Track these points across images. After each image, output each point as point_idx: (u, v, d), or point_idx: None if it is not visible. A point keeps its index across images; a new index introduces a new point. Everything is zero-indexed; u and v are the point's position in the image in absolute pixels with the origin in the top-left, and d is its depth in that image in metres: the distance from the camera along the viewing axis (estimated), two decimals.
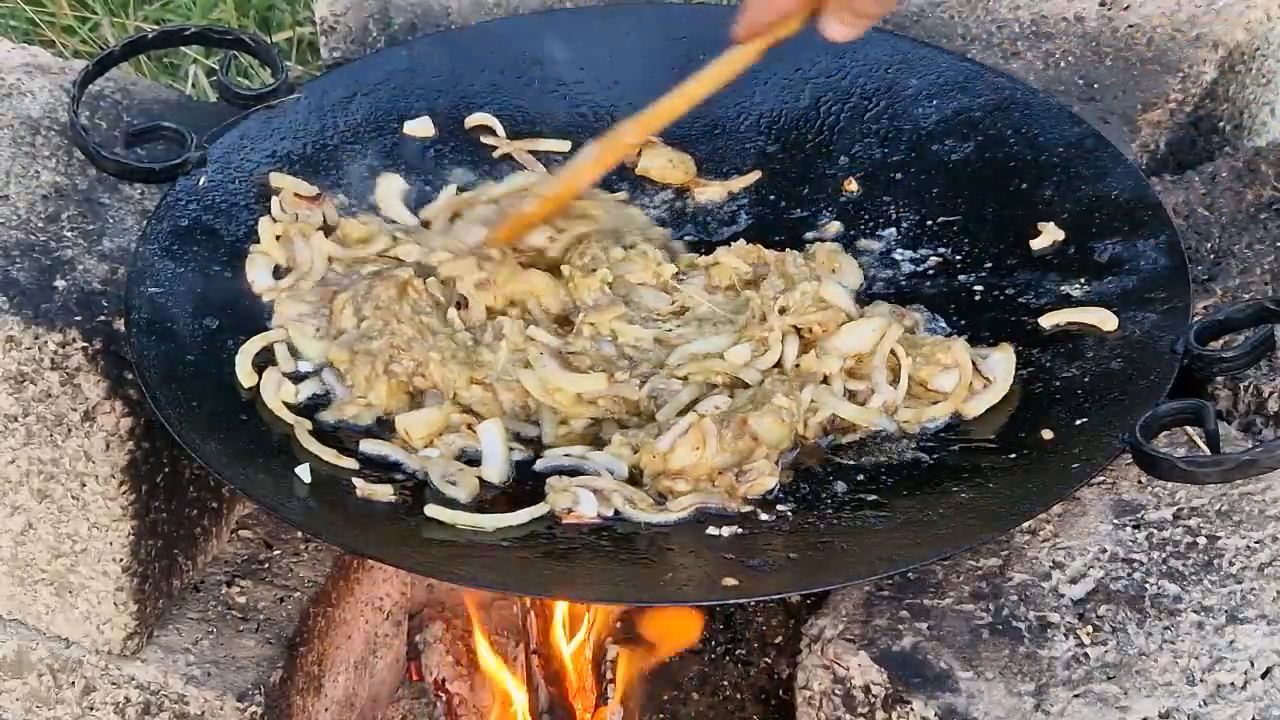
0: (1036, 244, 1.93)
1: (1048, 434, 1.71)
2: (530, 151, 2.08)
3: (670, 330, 1.84)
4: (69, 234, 1.89)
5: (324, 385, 1.80)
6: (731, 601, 1.84)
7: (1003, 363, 1.79)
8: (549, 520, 1.68)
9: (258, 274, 1.88)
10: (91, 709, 1.96)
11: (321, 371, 1.80)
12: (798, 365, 1.79)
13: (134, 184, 1.95)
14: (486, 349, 1.80)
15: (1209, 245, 1.99)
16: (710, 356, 1.80)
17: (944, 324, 1.88)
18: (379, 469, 1.73)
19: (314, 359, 1.81)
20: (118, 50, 1.97)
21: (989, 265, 1.94)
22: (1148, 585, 1.64)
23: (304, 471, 1.68)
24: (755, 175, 2.06)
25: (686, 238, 2.01)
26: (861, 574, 1.63)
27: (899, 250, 1.98)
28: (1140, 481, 1.73)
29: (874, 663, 1.58)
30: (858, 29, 1.77)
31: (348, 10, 2.32)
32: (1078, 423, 1.71)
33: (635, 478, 1.72)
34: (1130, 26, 2.29)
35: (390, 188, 2.02)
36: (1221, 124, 2.30)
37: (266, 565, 2.00)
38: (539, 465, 1.73)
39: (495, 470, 1.72)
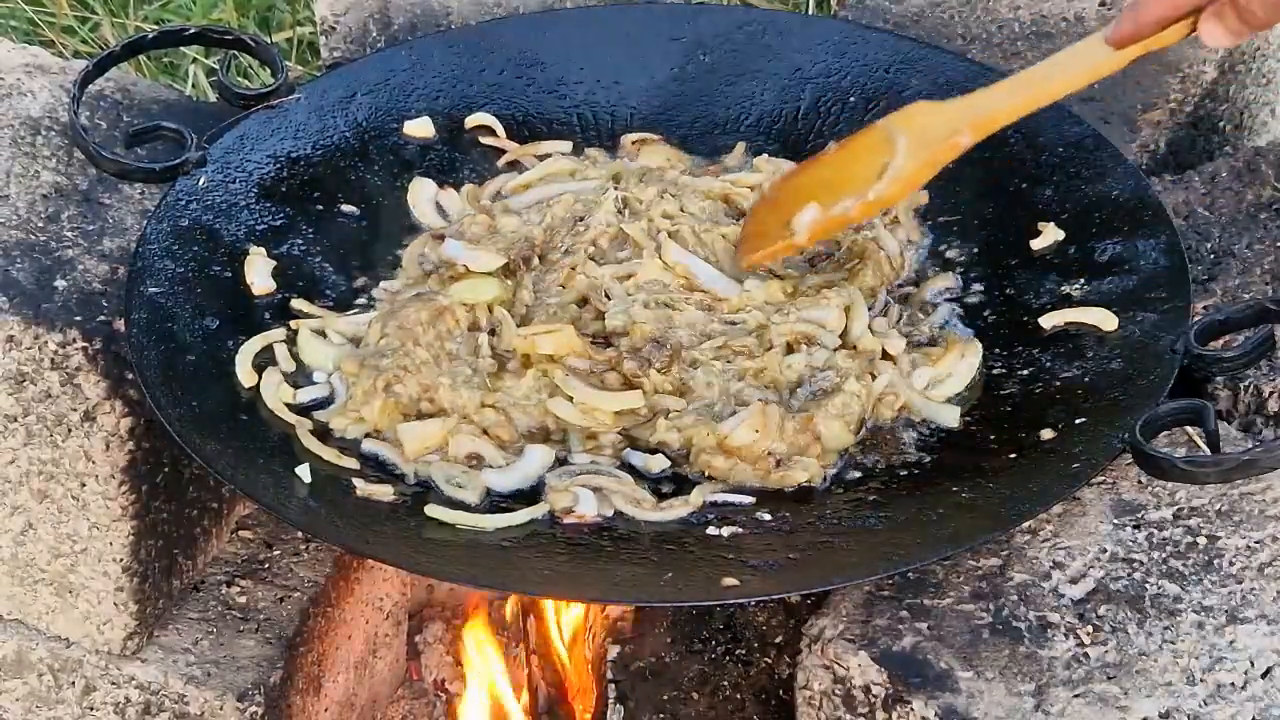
0: (1036, 244, 1.93)
1: (1048, 434, 1.71)
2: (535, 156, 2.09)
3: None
4: (69, 234, 1.89)
5: (329, 388, 1.80)
6: (731, 601, 1.84)
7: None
8: (549, 520, 1.68)
9: (257, 274, 1.88)
10: (91, 709, 1.96)
11: (331, 377, 1.80)
12: (855, 347, 1.81)
13: (134, 184, 1.95)
14: (512, 375, 1.80)
15: (1209, 245, 1.99)
16: (751, 353, 1.80)
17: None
18: (379, 469, 1.73)
19: (323, 367, 1.81)
20: (118, 50, 1.97)
21: (989, 265, 1.94)
22: (1148, 585, 1.64)
23: (304, 471, 1.68)
24: (756, 176, 2.06)
25: None
26: (861, 574, 1.63)
27: None
28: (1140, 481, 1.73)
29: (874, 663, 1.58)
30: (1241, 37, 1.62)
31: (348, 10, 2.32)
32: (1078, 423, 1.71)
33: (676, 458, 1.74)
34: None
35: (421, 192, 2.02)
36: (1221, 124, 2.30)
37: (266, 565, 2.00)
38: (560, 471, 1.73)
39: (510, 485, 1.72)
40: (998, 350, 1.84)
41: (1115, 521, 1.70)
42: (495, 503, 1.70)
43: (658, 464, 1.73)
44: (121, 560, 1.85)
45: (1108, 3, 2.31)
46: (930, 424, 1.77)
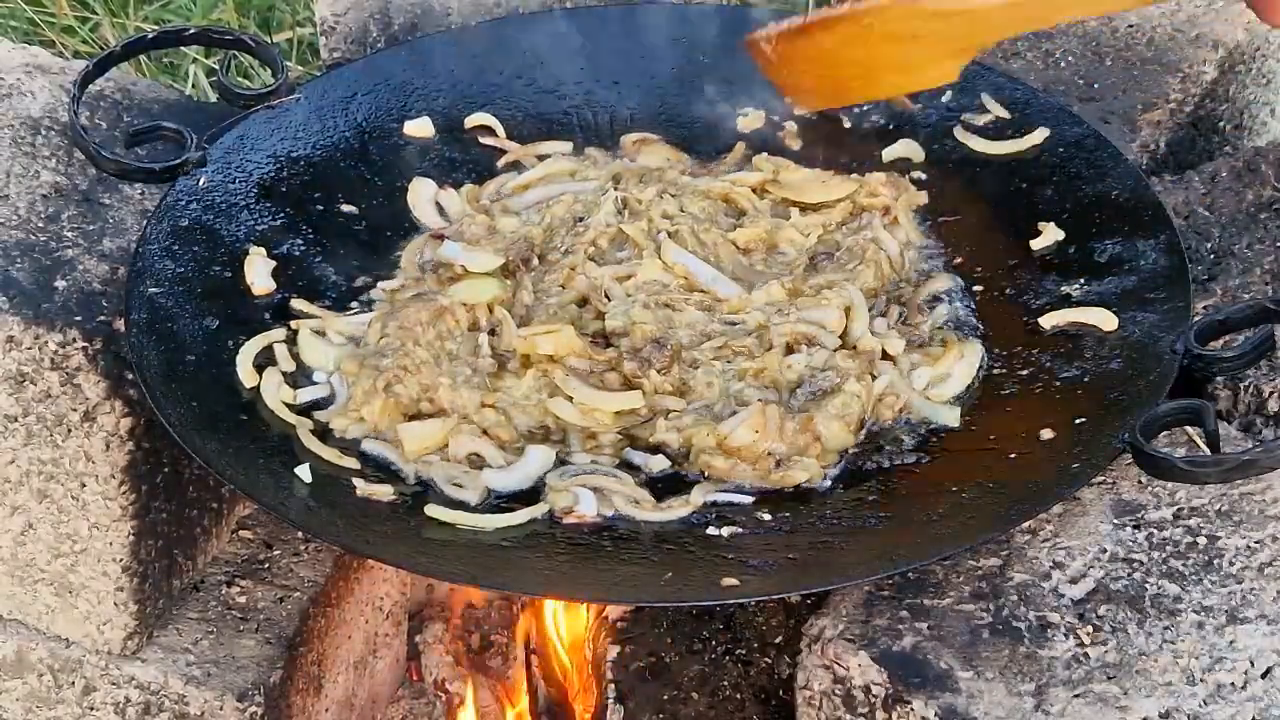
0: (1036, 244, 1.93)
1: (1048, 434, 1.71)
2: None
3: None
4: (69, 234, 1.89)
5: (329, 389, 1.80)
6: (731, 601, 1.84)
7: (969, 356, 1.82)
8: (549, 520, 1.68)
9: (257, 274, 1.88)
10: (91, 709, 1.96)
11: (331, 377, 1.80)
12: (855, 347, 1.81)
13: (134, 184, 1.95)
14: (512, 375, 1.80)
15: (1209, 245, 1.99)
16: (751, 354, 1.80)
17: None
18: (379, 469, 1.73)
19: (323, 367, 1.81)
20: (118, 50, 1.97)
21: (989, 265, 1.94)
22: (1148, 585, 1.64)
23: (304, 471, 1.68)
24: (756, 176, 2.06)
25: None
26: (861, 574, 1.63)
27: None
28: (1140, 481, 1.73)
29: (874, 663, 1.58)
30: None
31: (348, 10, 2.32)
32: (1078, 423, 1.71)
33: (676, 458, 1.73)
34: (1130, 26, 2.29)
35: (421, 192, 2.02)
36: (1221, 124, 2.30)
37: (266, 565, 2.00)
38: (560, 471, 1.73)
39: (511, 485, 1.72)
40: (998, 350, 1.84)
41: (1115, 521, 1.70)
42: (495, 503, 1.70)
43: (658, 464, 1.73)
44: (121, 560, 1.85)
45: None
46: (930, 424, 1.77)
